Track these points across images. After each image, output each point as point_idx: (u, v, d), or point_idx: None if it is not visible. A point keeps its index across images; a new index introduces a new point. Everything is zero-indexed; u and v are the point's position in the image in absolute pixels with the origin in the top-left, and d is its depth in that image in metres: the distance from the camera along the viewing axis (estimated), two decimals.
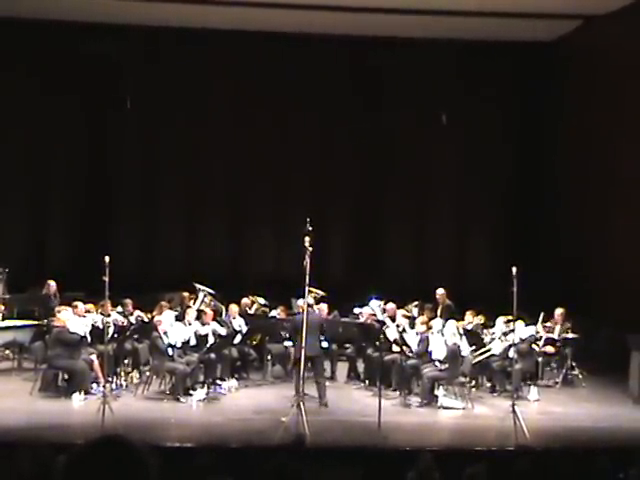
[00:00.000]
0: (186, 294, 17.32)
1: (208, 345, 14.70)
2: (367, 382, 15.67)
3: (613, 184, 18.65)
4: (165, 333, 14.17)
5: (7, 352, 16.63)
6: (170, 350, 14.11)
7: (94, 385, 13.98)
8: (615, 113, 18.50)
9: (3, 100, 20.68)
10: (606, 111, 18.80)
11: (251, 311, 17.02)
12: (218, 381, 14.94)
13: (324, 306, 16.13)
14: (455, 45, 20.85)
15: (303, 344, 12.60)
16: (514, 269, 12.12)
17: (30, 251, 21.00)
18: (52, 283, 17.47)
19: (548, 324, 16.42)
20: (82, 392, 13.63)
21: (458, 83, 21.47)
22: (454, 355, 14.27)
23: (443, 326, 14.72)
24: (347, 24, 19.93)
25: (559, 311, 16.54)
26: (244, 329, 15.88)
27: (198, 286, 17.34)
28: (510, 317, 14.11)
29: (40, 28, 20.15)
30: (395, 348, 15.04)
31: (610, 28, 18.34)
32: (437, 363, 14.33)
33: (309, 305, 13.45)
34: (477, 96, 21.58)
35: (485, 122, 21.86)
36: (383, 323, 15.27)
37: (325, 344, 15.61)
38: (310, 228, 12.51)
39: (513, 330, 13.96)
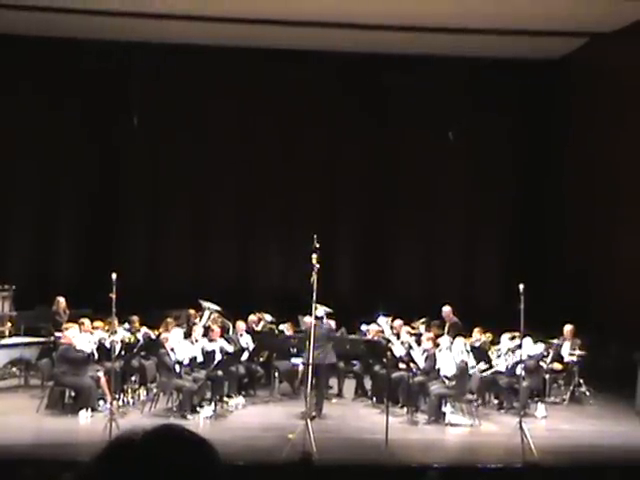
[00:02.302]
0: (192, 311, 17.33)
1: (215, 362, 14.69)
2: (374, 399, 15.62)
3: (619, 200, 18.65)
4: (172, 350, 14.17)
5: (14, 369, 16.63)
6: (177, 367, 14.10)
7: (101, 402, 13.97)
8: (621, 130, 18.52)
9: (11, 117, 20.76)
10: (612, 128, 18.83)
11: (258, 328, 17.01)
12: (225, 398, 14.92)
13: (332, 322, 16.11)
14: (461, 62, 20.87)
15: (310, 359, 12.61)
16: (521, 286, 12.12)
17: (37, 268, 21.02)
18: (61, 299, 17.51)
19: (556, 341, 16.39)
20: (89, 409, 13.63)
21: (465, 100, 21.51)
22: (462, 372, 14.25)
23: (451, 343, 14.70)
24: (354, 42, 19.99)
25: (568, 327, 16.52)
26: (251, 346, 15.87)
27: (204, 303, 17.36)
28: (515, 334, 14.08)
29: (47, 45, 20.23)
30: (402, 365, 15.02)
31: (616, 46, 18.37)
32: (444, 380, 14.31)
33: (319, 318, 13.50)
34: (483, 113, 21.60)
35: (491, 139, 21.88)
36: (390, 340, 15.26)
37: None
38: (317, 245, 12.51)
39: (519, 346, 13.95)
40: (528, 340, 14.46)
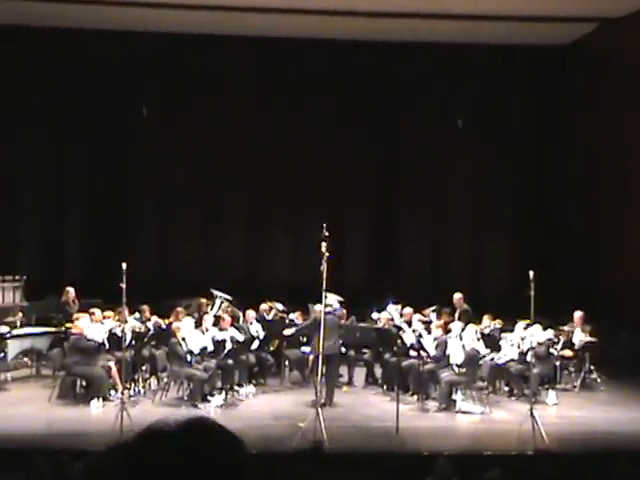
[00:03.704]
0: (203, 300, 17.34)
1: (226, 351, 14.70)
2: (385, 387, 15.61)
3: (629, 187, 18.59)
4: (184, 339, 14.18)
5: (25, 359, 16.67)
6: (188, 356, 14.12)
7: (112, 392, 14.01)
8: (631, 115, 18.45)
9: (22, 109, 20.79)
10: (622, 114, 18.76)
11: (269, 317, 17.00)
12: (236, 387, 14.94)
13: (343, 311, 16.12)
14: (471, 49, 20.85)
15: (321, 347, 12.62)
16: (531, 273, 12.09)
17: (48, 258, 21.07)
18: (71, 290, 17.51)
19: (567, 327, 16.34)
20: (100, 399, 13.67)
21: (475, 87, 21.46)
22: (472, 359, 14.23)
23: (462, 330, 14.67)
24: (364, 29, 19.95)
25: (578, 314, 16.43)
26: (261, 335, 15.87)
27: (215, 292, 17.36)
28: (529, 322, 14.03)
29: (58, 35, 20.26)
30: (412, 353, 15.01)
31: (626, 31, 18.30)
32: (455, 367, 14.29)
33: (328, 306, 13.53)
34: (493, 100, 21.56)
35: (501, 126, 21.83)
36: (400, 328, 15.25)
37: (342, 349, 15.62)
38: (327, 234, 12.50)
39: (531, 334, 13.93)
40: (537, 327, 14.43)
